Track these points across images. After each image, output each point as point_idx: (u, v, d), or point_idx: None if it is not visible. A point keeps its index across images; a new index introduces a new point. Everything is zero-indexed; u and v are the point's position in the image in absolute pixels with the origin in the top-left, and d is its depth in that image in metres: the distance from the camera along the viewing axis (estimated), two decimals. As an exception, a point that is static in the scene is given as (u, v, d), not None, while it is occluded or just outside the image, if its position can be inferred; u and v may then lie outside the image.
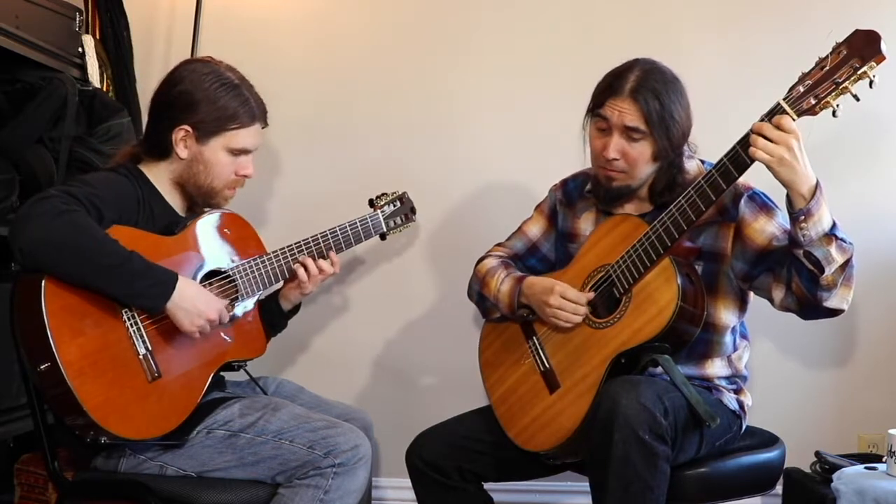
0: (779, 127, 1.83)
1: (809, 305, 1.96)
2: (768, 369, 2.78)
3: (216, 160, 2.07)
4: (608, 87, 2.07)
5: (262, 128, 2.13)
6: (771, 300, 2.05)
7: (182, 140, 2.04)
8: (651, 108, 2.01)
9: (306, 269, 2.21)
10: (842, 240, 1.89)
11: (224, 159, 2.07)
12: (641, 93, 2.01)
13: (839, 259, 1.89)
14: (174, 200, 2.11)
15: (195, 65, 2.10)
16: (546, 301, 2.11)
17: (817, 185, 1.87)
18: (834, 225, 1.89)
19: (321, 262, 2.23)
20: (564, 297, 2.09)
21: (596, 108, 2.09)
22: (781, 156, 1.82)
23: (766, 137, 1.83)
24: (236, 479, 2.00)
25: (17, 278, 1.88)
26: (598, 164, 2.13)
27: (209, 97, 2.03)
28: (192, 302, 1.94)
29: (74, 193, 1.86)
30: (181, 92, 2.03)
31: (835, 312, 1.97)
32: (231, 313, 2.10)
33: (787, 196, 1.89)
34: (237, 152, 2.08)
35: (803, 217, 1.86)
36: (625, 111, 2.03)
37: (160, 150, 2.07)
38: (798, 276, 1.94)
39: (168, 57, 2.89)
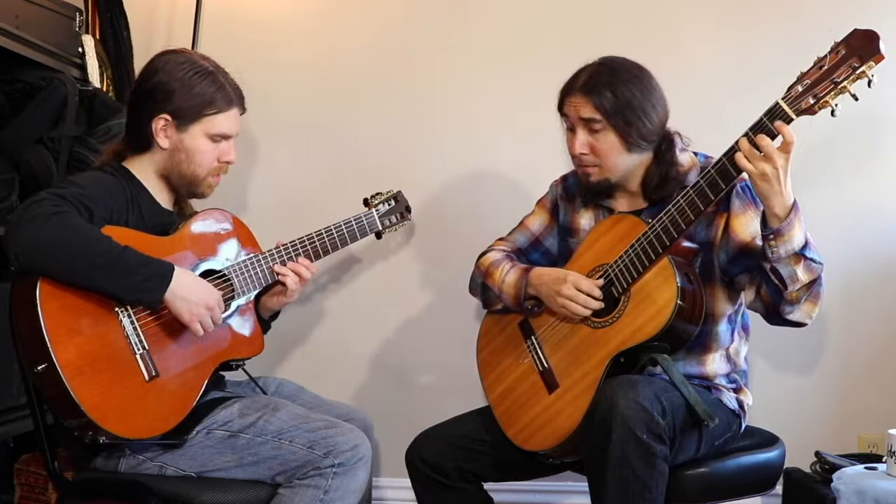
0: (771, 137, 1.83)
1: (774, 314, 2.00)
2: (768, 369, 2.78)
3: (197, 147, 2.07)
4: (565, 87, 2.13)
5: (241, 113, 2.13)
6: (745, 297, 2.07)
7: (162, 130, 2.05)
8: (603, 98, 2.04)
9: (298, 274, 2.20)
10: (811, 259, 1.90)
11: (205, 146, 2.07)
12: (592, 85, 2.06)
13: (804, 279, 1.90)
14: (161, 194, 2.12)
15: (168, 55, 2.10)
16: (559, 291, 2.10)
17: (794, 205, 1.87)
18: (805, 245, 1.90)
19: (300, 268, 2.21)
20: (578, 288, 2.09)
21: (559, 109, 2.14)
22: (764, 170, 1.83)
23: (756, 147, 1.84)
24: (236, 479, 2.00)
25: (13, 279, 1.88)
26: (574, 163, 2.17)
27: (185, 84, 2.04)
28: (190, 291, 1.94)
29: (63, 195, 1.86)
30: (157, 82, 2.04)
31: (798, 324, 2.00)
32: (228, 313, 2.11)
33: (763, 212, 1.90)
34: (217, 138, 2.09)
35: (773, 236, 1.87)
36: (578, 104, 2.07)
37: (142, 142, 2.08)
38: (766, 284, 1.96)
39: (168, 57, 2.89)
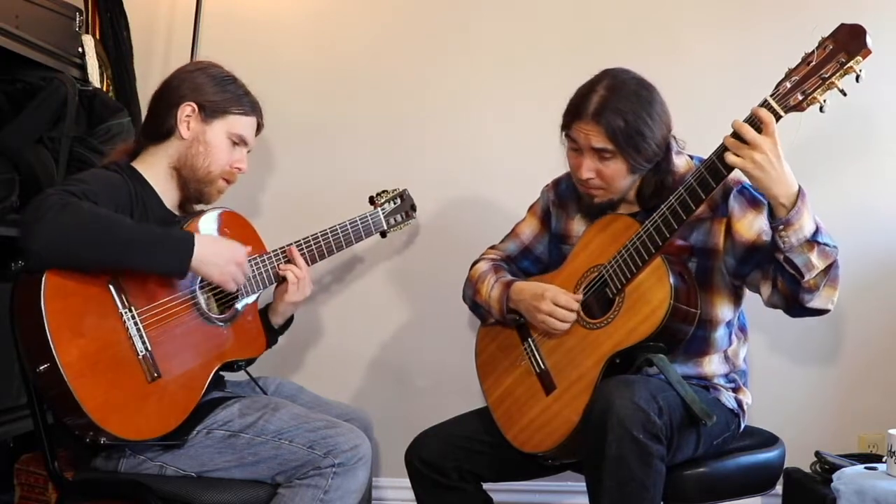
0: (757, 130, 1.82)
1: (794, 304, 1.97)
2: (768, 369, 2.78)
3: (216, 143, 2.10)
4: (574, 110, 2.06)
5: (258, 129, 2.19)
6: (760, 296, 2.05)
7: (187, 119, 2.08)
8: (615, 128, 1.99)
9: (295, 265, 2.22)
10: (825, 244, 1.89)
11: (223, 144, 2.11)
12: (604, 114, 2.00)
13: (820, 265, 1.89)
14: (168, 194, 2.12)
15: (198, 62, 2.21)
16: (537, 307, 2.12)
17: (799, 192, 1.86)
18: (817, 231, 1.88)
19: (299, 259, 2.23)
20: (556, 303, 2.10)
21: (565, 128, 2.10)
22: (753, 158, 1.82)
23: (742, 140, 1.83)
24: (236, 479, 2.00)
25: (16, 279, 1.88)
26: (577, 181, 2.14)
27: (216, 81, 2.12)
28: (216, 254, 1.97)
29: (71, 190, 1.87)
30: (188, 77, 2.11)
31: (821, 312, 1.98)
32: (232, 313, 2.12)
33: (769, 203, 1.89)
34: (236, 140, 2.13)
35: (782, 226, 1.86)
36: (590, 133, 2.03)
37: (161, 131, 2.10)
38: (782, 276, 1.94)
39: (168, 57, 2.90)
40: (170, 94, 2.11)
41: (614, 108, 2.00)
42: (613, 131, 2.00)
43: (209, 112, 2.09)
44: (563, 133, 2.12)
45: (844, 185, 2.77)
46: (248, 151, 2.18)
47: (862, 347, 2.82)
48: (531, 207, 2.40)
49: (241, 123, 2.13)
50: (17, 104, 2.46)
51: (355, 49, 2.91)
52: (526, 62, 2.86)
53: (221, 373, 2.15)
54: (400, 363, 2.94)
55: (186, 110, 2.08)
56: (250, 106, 2.14)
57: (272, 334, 2.27)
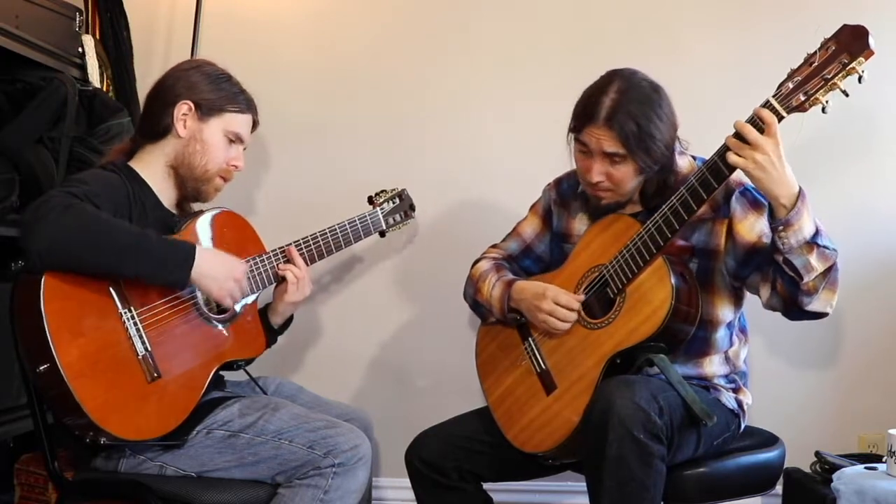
0: (759, 130, 1.82)
1: (793, 307, 1.97)
2: (768, 369, 2.78)
3: (213, 141, 2.11)
4: (584, 113, 2.04)
5: (253, 126, 2.19)
6: (759, 298, 2.05)
7: (183, 117, 2.08)
8: (628, 132, 1.98)
9: (294, 265, 2.21)
10: (824, 247, 1.89)
11: (220, 142, 2.12)
12: (617, 119, 1.98)
13: (819, 267, 1.89)
14: (165, 193, 2.12)
15: (192, 60, 2.21)
16: (538, 306, 2.12)
17: (800, 193, 1.86)
18: (817, 233, 1.88)
19: (299, 260, 2.23)
20: (557, 303, 2.10)
21: (574, 131, 2.08)
22: (755, 158, 1.82)
23: (744, 140, 1.83)
24: (236, 479, 2.00)
25: (16, 279, 1.88)
26: (585, 183, 2.13)
27: (211, 80, 2.12)
28: (216, 269, 1.97)
29: (73, 192, 1.87)
30: (183, 76, 2.11)
31: (819, 315, 1.98)
32: (232, 313, 2.12)
33: (769, 203, 1.89)
34: (233, 138, 2.14)
35: (782, 227, 1.86)
36: (602, 138, 2.01)
37: (158, 130, 2.10)
38: (781, 278, 1.95)
39: (168, 57, 2.90)
40: (165, 93, 2.11)
41: (626, 111, 1.99)
42: (626, 136, 1.99)
43: (205, 110, 2.10)
44: (572, 136, 2.10)
45: (846, 186, 2.78)
46: (244, 149, 2.19)
47: (862, 348, 2.82)
48: (533, 206, 2.40)
49: (238, 121, 2.14)
50: (17, 104, 2.46)
51: (355, 49, 2.91)
52: (526, 62, 2.86)
53: (221, 373, 2.15)
54: (400, 363, 2.94)
55: (183, 108, 2.08)
56: (246, 103, 2.15)
57: (272, 334, 2.27)
